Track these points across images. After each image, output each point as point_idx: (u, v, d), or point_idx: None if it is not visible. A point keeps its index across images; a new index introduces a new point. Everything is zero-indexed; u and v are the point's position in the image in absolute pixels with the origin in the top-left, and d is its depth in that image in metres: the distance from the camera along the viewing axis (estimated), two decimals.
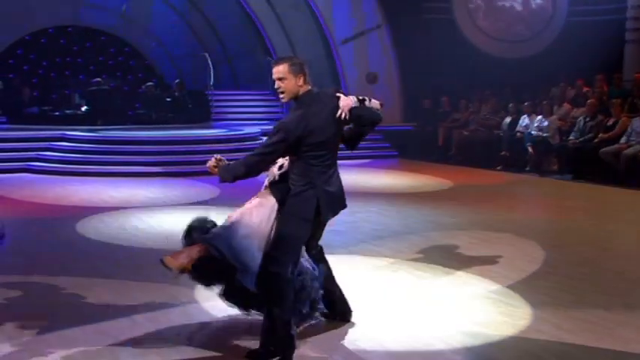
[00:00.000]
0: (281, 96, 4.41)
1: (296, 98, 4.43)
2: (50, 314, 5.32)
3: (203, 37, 22.17)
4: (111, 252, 7.43)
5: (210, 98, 19.34)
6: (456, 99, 17.32)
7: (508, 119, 15.75)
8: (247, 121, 18.49)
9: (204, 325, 5.16)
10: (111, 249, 7.56)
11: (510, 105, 15.97)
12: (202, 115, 18.77)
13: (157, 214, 9.55)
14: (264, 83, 19.85)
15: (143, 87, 19.15)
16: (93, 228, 8.59)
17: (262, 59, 19.94)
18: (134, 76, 21.71)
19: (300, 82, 4.39)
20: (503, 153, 15.17)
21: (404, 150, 16.92)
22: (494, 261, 7.11)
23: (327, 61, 19.50)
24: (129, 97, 19.46)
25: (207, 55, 20.07)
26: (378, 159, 16.56)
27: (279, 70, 4.37)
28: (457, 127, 16.59)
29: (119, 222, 8.99)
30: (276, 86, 4.38)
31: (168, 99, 18.82)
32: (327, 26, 18.78)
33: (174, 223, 8.88)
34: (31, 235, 8.31)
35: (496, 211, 10.03)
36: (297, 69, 4.39)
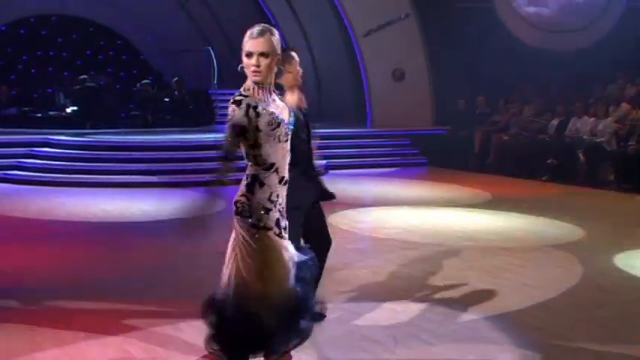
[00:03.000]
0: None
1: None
2: (30, 346, 5.37)
3: (205, 29, 22.31)
4: (102, 270, 7.45)
5: (213, 98, 19.44)
6: (495, 99, 17.31)
7: (555, 122, 15.72)
8: None
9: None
10: (102, 266, 7.58)
11: (558, 105, 15.94)
12: (205, 118, 18.86)
13: (153, 228, 9.60)
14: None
15: (138, 85, 19.30)
16: (82, 245, 8.62)
17: None
18: (127, 73, 21.88)
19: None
20: (549, 161, 15.13)
21: (435, 157, 16.91)
22: (540, 284, 7.09)
23: (347, 57, 19.56)
24: (121, 96, 19.62)
25: (210, 49, 20.19)
26: (406, 167, 16.55)
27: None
28: (496, 131, 16.57)
29: (111, 238, 9.04)
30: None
31: (166, 99, 18.96)
32: (347, 16, 18.83)
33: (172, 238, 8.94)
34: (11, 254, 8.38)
35: (542, 228, 10.01)
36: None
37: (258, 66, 4.03)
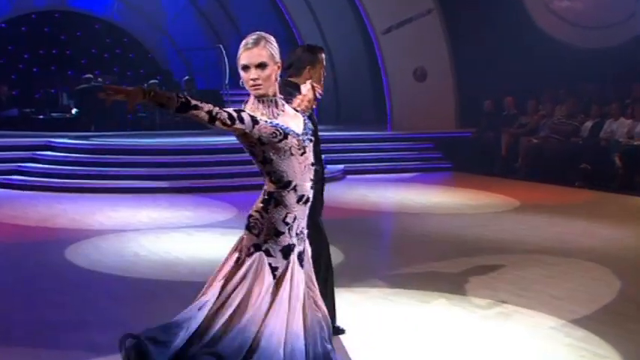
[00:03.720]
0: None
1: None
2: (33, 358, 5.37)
3: (217, 26, 22.36)
4: (107, 284, 7.48)
5: (225, 99, 19.46)
6: (524, 99, 17.23)
7: (589, 124, 15.62)
8: None
9: None
10: (106, 280, 7.61)
11: (592, 106, 15.84)
12: None
13: (162, 238, 9.61)
14: None
15: (145, 85, 19.33)
16: (85, 255, 8.64)
17: (287, 51, 20.05)
18: (134, 72, 21.93)
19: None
20: (583, 166, 15.04)
21: (459, 161, 16.86)
22: (572, 296, 7.04)
23: (366, 55, 19.56)
24: None
25: (222, 47, 20.24)
26: (428, 172, 16.51)
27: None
28: (525, 134, 16.50)
29: (116, 248, 9.03)
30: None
31: None
32: (366, 12, 18.82)
33: (183, 249, 8.94)
34: (11, 263, 8.40)
35: (574, 238, 9.94)
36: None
37: (256, 79, 3.91)
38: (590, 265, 8.36)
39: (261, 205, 3.88)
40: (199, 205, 12.12)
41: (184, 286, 7.31)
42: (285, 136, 3.82)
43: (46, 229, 10.23)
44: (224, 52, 19.99)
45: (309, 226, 4.01)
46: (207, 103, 3.83)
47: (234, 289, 3.77)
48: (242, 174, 14.02)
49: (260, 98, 3.92)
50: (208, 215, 11.26)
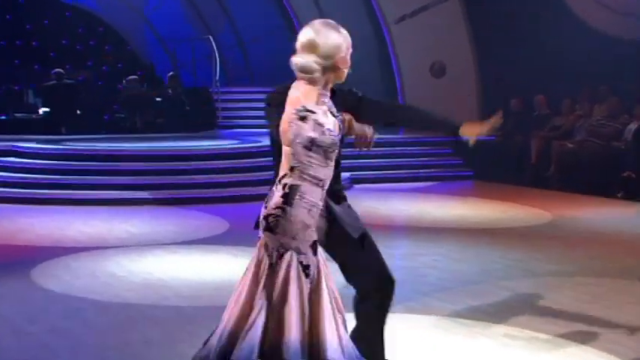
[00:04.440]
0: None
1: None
2: None
3: (207, 14, 22.39)
4: (79, 310, 7.45)
5: (215, 98, 19.50)
6: (557, 97, 17.22)
7: (633, 126, 15.59)
8: (266, 128, 18.56)
9: None
10: (79, 306, 7.58)
11: (637, 106, 15.81)
12: (205, 121, 18.93)
13: (142, 256, 9.59)
14: (289, 77, 19.96)
15: (124, 82, 19.39)
16: (54, 276, 8.61)
17: (287, 44, 20.08)
18: (111, 67, 21.98)
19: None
20: (626, 174, 15.02)
21: (482, 169, 16.85)
22: (615, 326, 7.01)
23: (376, 47, 19.55)
24: (104, 95, 19.68)
25: (211, 38, 20.27)
26: (447, 181, 16.50)
27: None
28: (558, 137, 16.48)
29: (91, 268, 9.01)
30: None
31: (158, 98, 19.03)
32: (377, 1, 18.86)
33: (166, 269, 8.93)
34: None
35: (614, 256, 9.92)
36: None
37: None
38: (636, 290, 8.33)
39: (282, 199, 4.10)
40: (186, 219, 12.12)
41: (168, 312, 7.31)
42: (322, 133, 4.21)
43: (10, 246, 10.20)
44: (214, 44, 20.01)
45: None
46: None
47: (282, 298, 4.05)
48: (234, 183, 14.05)
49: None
50: (196, 230, 11.26)
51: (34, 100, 19.20)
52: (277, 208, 4.11)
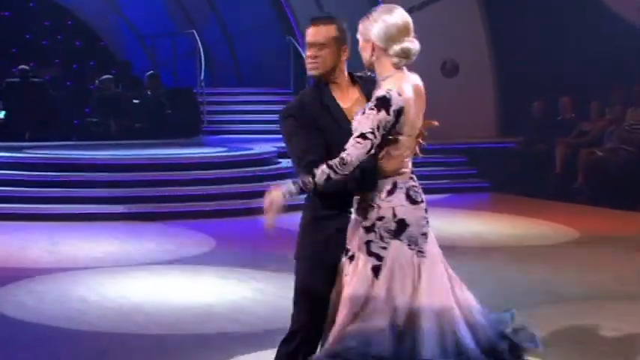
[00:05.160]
0: (314, 67, 5.02)
1: (331, 76, 5.07)
2: None
3: (189, 6, 22.39)
4: (45, 340, 7.44)
5: (200, 100, 19.49)
6: (584, 100, 17.22)
7: None
8: (257, 134, 18.57)
9: None
10: (45, 335, 7.56)
11: None
12: (188, 126, 18.90)
13: (117, 279, 9.57)
14: (282, 77, 19.95)
15: (96, 82, 19.36)
16: (17, 302, 8.59)
17: (281, 40, 20.08)
18: (82, 65, 21.94)
19: (345, 57, 5.09)
20: None
21: (500, 180, 16.82)
22: None
23: None
24: (74, 96, 19.65)
25: (195, 33, 20.26)
26: (461, 193, 16.47)
27: (320, 32, 5.04)
28: (586, 145, 16.48)
29: (58, 292, 8.99)
30: (309, 53, 5.00)
31: (135, 101, 19.00)
32: None
33: (145, 293, 8.93)
34: None
35: None
36: (345, 37, 5.09)
37: None
38: None
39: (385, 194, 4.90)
40: (167, 236, 12.12)
41: (147, 342, 7.31)
42: None
43: None
44: (198, 39, 20.01)
45: None
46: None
47: (412, 290, 4.82)
48: (221, 196, 14.03)
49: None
50: (178, 248, 11.26)
51: None
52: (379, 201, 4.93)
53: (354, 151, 4.67)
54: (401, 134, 4.88)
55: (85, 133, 18.19)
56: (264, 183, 14.44)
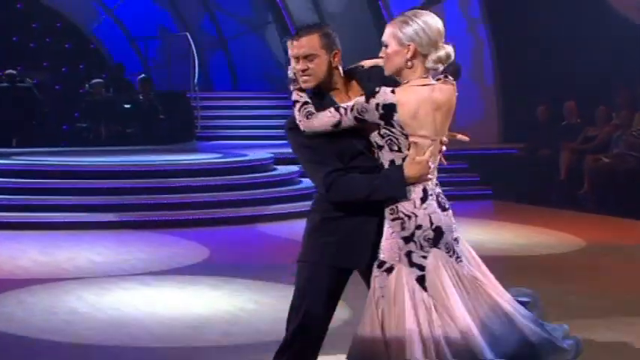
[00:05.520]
0: (307, 79, 5.01)
1: (328, 84, 5.04)
2: None
3: (183, 8, 22.40)
4: (34, 352, 7.41)
5: (193, 104, 19.48)
6: (591, 104, 17.19)
7: None
8: (253, 140, 18.58)
9: None
10: (34, 347, 7.53)
11: None
12: (181, 131, 18.90)
13: (108, 289, 9.54)
14: (278, 81, 19.93)
15: (86, 86, 19.36)
16: (4, 314, 8.56)
17: (278, 41, 20.06)
18: (71, 68, 21.95)
19: (336, 61, 5.03)
20: None
21: (502, 187, 16.82)
22: None
23: (379, 45, 19.56)
24: (63, 101, 19.63)
25: (188, 35, 20.26)
26: (462, 200, 16.36)
27: (306, 44, 5.01)
28: (592, 151, 16.47)
29: (46, 303, 8.97)
30: (299, 67, 4.99)
31: (126, 105, 18.99)
32: None
33: (136, 304, 8.89)
34: None
35: None
36: (332, 42, 5.05)
37: None
38: None
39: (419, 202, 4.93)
40: (159, 245, 12.11)
41: (139, 355, 7.28)
42: None
43: None
44: (192, 41, 20.00)
45: None
46: None
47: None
48: (215, 204, 14.02)
49: None
50: (171, 258, 11.25)
51: None
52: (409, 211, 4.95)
53: (321, 116, 4.82)
54: (414, 135, 4.83)
55: (74, 139, 18.20)
56: (260, 190, 14.51)
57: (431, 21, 4.98)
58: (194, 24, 21.73)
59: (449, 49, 5.01)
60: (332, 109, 4.82)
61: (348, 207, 4.95)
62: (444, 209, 5.01)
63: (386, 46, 4.97)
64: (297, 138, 4.97)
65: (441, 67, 4.99)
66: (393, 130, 4.78)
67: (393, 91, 4.80)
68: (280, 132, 19.12)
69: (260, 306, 8.78)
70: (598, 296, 9.48)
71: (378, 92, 4.77)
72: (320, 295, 4.97)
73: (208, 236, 12.43)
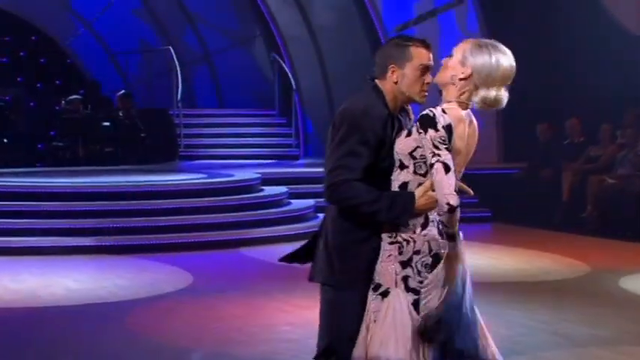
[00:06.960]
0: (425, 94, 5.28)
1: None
2: None
3: (165, 20, 22.42)
4: None
5: (176, 122, 19.50)
6: (594, 122, 17.24)
7: None
8: (239, 159, 18.60)
9: None
10: None
11: None
12: (164, 150, 18.90)
13: (86, 317, 9.56)
14: (266, 98, 19.96)
15: (63, 102, 19.36)
16: None
17: (265, 55, 20.10)
18: (47, 84, 21.93)
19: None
20: None
21: (502, 209, 16.85)
22: None
23: (369, 57, 19.61)
24: (38, 119, 19.63)
25: (171, 49, 20.29)
26: (460, 223, 16.32)
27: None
28: (596, 172, 16.51)
29: (22, 333, 8.95)
30: (428, 80, 5.23)
31: (105, 123, 19.00)
32: (372, 3, 18.97)
33: (118, 333, 8.90)
34: None
35: None
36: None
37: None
38: None
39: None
40: (139, 271, 12.11)
41: None
42: None
43: None
44: (175, 56, 20.01)
45: None
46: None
47: None
48: (198, 227, 14.03)
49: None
50: (152, 285, 11.26)
51: None
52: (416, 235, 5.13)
53: (447, 176, 5.13)
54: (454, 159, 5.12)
55: (50, 159, 18.17)
56: (246, 212, 14.53)
57: (503, 60, 5.10)
58: (177, 38, 21.73)
59: (501, 94, 5.15)
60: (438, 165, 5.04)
61: (368, 227, 5.05)
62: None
63: (451, 55, 5.14)
64: (346, 131, 5.05)
65: (485, 108, 5.20)
66: (440, 152, 5.00)
67: (444, 111, 4.98)
68: (268, 151, 19.34)
69: (247, 336, 8.77)
70: (601, 325, 9.46)
71: (433, 116, 4.94)
72: (353, 317, 5.07)
73: (192, 261, 12.43)
